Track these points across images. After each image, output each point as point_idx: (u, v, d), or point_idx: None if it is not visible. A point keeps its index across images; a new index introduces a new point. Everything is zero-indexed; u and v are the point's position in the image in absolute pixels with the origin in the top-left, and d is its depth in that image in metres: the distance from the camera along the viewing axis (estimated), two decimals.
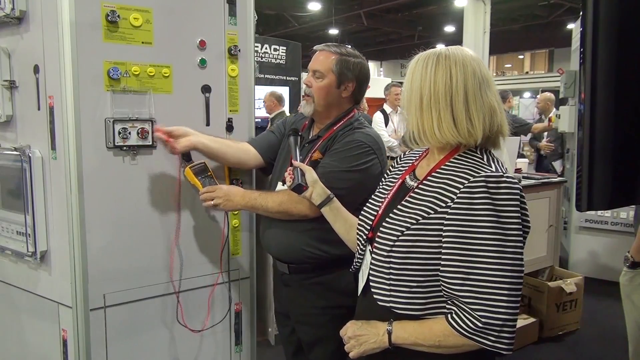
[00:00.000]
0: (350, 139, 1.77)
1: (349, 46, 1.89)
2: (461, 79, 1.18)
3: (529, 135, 6.58)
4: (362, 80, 1.85)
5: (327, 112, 1.85)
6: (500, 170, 1.17)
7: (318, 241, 1.75)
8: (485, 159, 1.20)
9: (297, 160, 1.70)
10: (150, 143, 1.74)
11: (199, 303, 1.92)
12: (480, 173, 1.15)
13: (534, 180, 3.77)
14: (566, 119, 4.82)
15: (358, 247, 1.39)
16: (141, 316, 1.80)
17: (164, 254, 1.82)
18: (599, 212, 4.51)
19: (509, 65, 28.28)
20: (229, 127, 1.92)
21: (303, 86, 1.88)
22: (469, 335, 1.12)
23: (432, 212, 1.18)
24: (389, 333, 1.21)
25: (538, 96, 6.83)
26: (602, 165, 1.62)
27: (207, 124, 1.86)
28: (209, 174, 1.80)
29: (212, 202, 1.75)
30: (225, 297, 1.98)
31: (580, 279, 3.68)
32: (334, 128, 1.83)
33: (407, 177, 1.33)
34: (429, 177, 1.24)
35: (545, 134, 6.25)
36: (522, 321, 3.48)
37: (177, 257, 1.85)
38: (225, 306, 1.99)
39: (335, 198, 1.61)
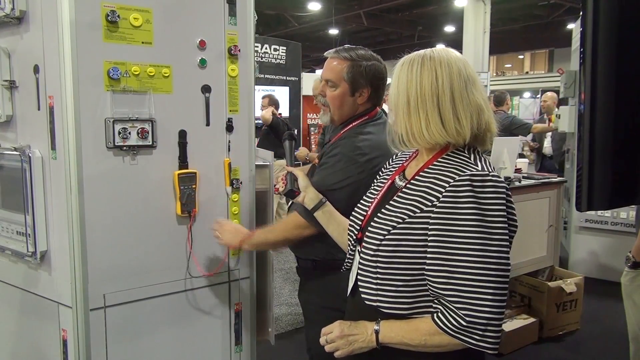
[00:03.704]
0: (338, 151, 1.74)
1: (361, 48, 1.83)
2: (447, 79, 1.19)
3: (529, 136, 6.58)
4: (378, 84, 1.80)
5: (343, 119, 1.83)
6: (486, 169, 1.17)
7: (325, 243, 1.75)
8: (472, 158, 1.21)
9: (289, 165, 1.70)
10: (150, 143, 1.74)
11: (199, 303, 1.92)
12: (465, 172, 1.15)
13: (534, 180, 3.77)
14: (566, 119, 4.83)
15: (349, 248, 1.40)
16: (141, 316, 1.80)
17: (164, 254, 1.82)
18: (599, 212, 4.52)
19: (509, 65, 28.31)
20: (229, 127, 1.92)
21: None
22: (453, 333, 1.13)
23: (418, 211, 1.18)
24: (377, 332, 1.22)
25: (542, 96, 6.84)
26: (602, 165, 1.62)
27: (207, 124, 1.86)
28: (193, 186, 1.82)
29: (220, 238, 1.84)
30: (225, 297, 1.99)
31: (580, 279, 3.68)
32: (341, 133, 1.82)
33: (397, 177, 1.34)
34: (416, 177, 1.25)
35: (550, 134, 6.25)
36: (522, 321, 3.49)
37: (178, 257, 1.85)
38: (225, 306, 1.99)
39: (328, 202, 1.62)
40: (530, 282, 3.61)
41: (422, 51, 1.24)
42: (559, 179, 3.98)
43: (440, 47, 1.26)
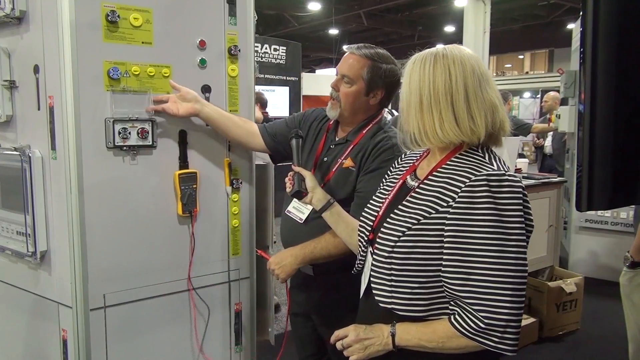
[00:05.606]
0: (386, 156, 1.69)
1: (380, 48, 1.80)
2: (460, 77, 1.17)
3: (529, 136, 6.60)
4: (392, 88, 1.78)
5: (352, 117, 1.80)
6: (502, 169, 1.16)
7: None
8: (487, 158, 1.19)
9: (297, 165, 1.69)
10: (150, 143, 1.74)
11: (199, 303, 1.91)
12: (481, 172, 1.14)
13: (534, 180, 3.77)
14: (566, 119, 4.83)
15: (360, 250, 1.38)
16: (141, 316, 1.80)
17: (164, 254, 1.82)
18: (599, 212, 4.51)
19: (509, 65, 28.29)
20: None
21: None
22: (472, 336, 1.11)
23: (434, 211, 1.17)
24: (393, 335, 1.20)
25: (545, 95, 6.84)
26: (602, 165, 1.62)
27: (208, 124, 1.86)
28: (194, 186, 1.81)
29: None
30: (225, 297, 1.99)
31: (580, 279, 3.68)
32: (363, 132, 1.79)
33: (408, 177, 1.32)
34: (429, 177, 1.23)
35: (551, 134, 6.26)
36: (522, 321, 3.47)
37: (178, 257, 1.85)
38: (225, 306, 1.99)
39: (336, 202, 1.60)
40: (530, 282, 3.61)
41: (434, 49, 1.22)
42: (559, 179, 3.98)
43: (452, 44, 1.24)
